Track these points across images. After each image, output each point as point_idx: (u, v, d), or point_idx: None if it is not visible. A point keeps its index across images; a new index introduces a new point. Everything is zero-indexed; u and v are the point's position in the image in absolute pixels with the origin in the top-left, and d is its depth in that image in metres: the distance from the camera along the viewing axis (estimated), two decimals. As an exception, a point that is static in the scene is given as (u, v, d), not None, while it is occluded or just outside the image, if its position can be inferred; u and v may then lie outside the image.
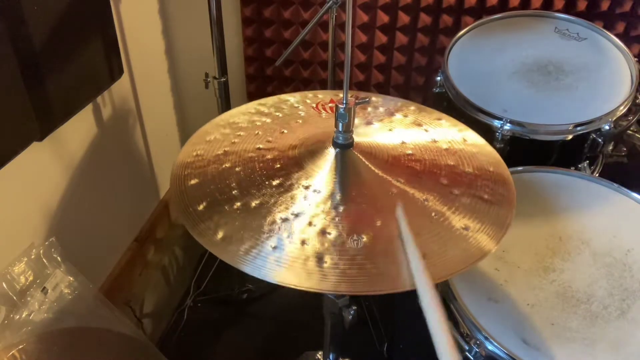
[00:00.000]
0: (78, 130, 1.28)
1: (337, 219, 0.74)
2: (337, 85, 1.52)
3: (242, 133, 0.92)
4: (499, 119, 1.19)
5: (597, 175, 1.31)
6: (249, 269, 0.68)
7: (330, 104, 1.02)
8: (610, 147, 1.32)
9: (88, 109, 1.30)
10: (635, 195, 1.08)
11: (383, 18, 1.65)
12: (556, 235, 1.01)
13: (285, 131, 0.93)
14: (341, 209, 0.75)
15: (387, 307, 1.49)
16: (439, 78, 1.35)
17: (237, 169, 0.83)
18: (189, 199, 0.78)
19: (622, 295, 0.91)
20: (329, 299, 0.96)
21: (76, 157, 1.28)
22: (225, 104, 1.46)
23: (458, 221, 0.76)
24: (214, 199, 0.78)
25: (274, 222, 0.74)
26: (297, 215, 0.74)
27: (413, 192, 0.79)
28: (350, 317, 0.94)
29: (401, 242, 0.69)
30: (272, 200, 0.77)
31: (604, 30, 1.36)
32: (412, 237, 0.69)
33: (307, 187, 0.79)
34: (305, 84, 1.81)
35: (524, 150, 1.22)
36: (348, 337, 1.07)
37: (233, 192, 0.78)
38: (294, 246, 0.70)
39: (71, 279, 1.12)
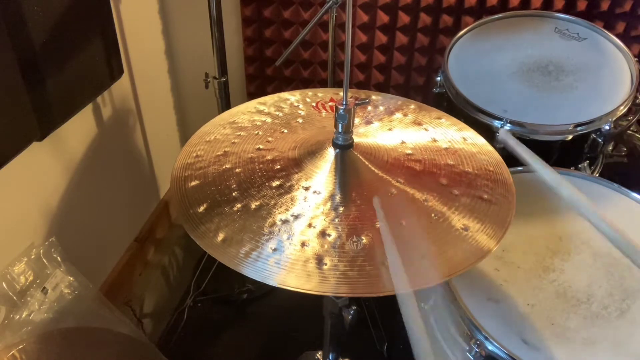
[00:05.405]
0: (78, 130, 1.28)
1: (336, 220, 0.74)
2: (337, 85, 1.52)
3: (242, 133, 0.92)
4: (499, 119, 1.19)
5: (597, 175, 1.31)
6: (249, 271, 0.68)
7: (330, 103, 1.02)
8: (610, 147, 1.32)
9: (88, 109, 1.31)
10: (635, 195, 1.08)
11: (383, 18, 1.65)
12: (556, 235, 1.01)
13: (285, 131, 0.92)
14: (341, 210, 0.75)
15: (387, 307, 1.49)
16: (439, 78, 1.35)
17: (237, 170, 0.83)
18: (189, 201, 0.78)
19: (622, 295, 0.91)
20: (328, 299, 0.96)
21: (76, 157, 1.28)
22: (225, 104, 1.46)
23: (458, 221, 0.76)
24: (214, 200, 0.78)
25: (274, 223, 0.73)
26: (297, 217, 0.74)
27: (413, 193, 0.79)
28: (350, 317, 0.94)
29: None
30: (272, 202, 0.77)
31: (604, 30, 1.36)
32: (390, 233, 0.67)
33: (307, 189, 0.79)
34: (305, 84, 1.81)
35: (524, 150, 1.22)
36: (348, 337, 1.07)
37: (233, 194, 0.78)
38: (294, 248, 0.70)
39: (71, 279, 1.12)
